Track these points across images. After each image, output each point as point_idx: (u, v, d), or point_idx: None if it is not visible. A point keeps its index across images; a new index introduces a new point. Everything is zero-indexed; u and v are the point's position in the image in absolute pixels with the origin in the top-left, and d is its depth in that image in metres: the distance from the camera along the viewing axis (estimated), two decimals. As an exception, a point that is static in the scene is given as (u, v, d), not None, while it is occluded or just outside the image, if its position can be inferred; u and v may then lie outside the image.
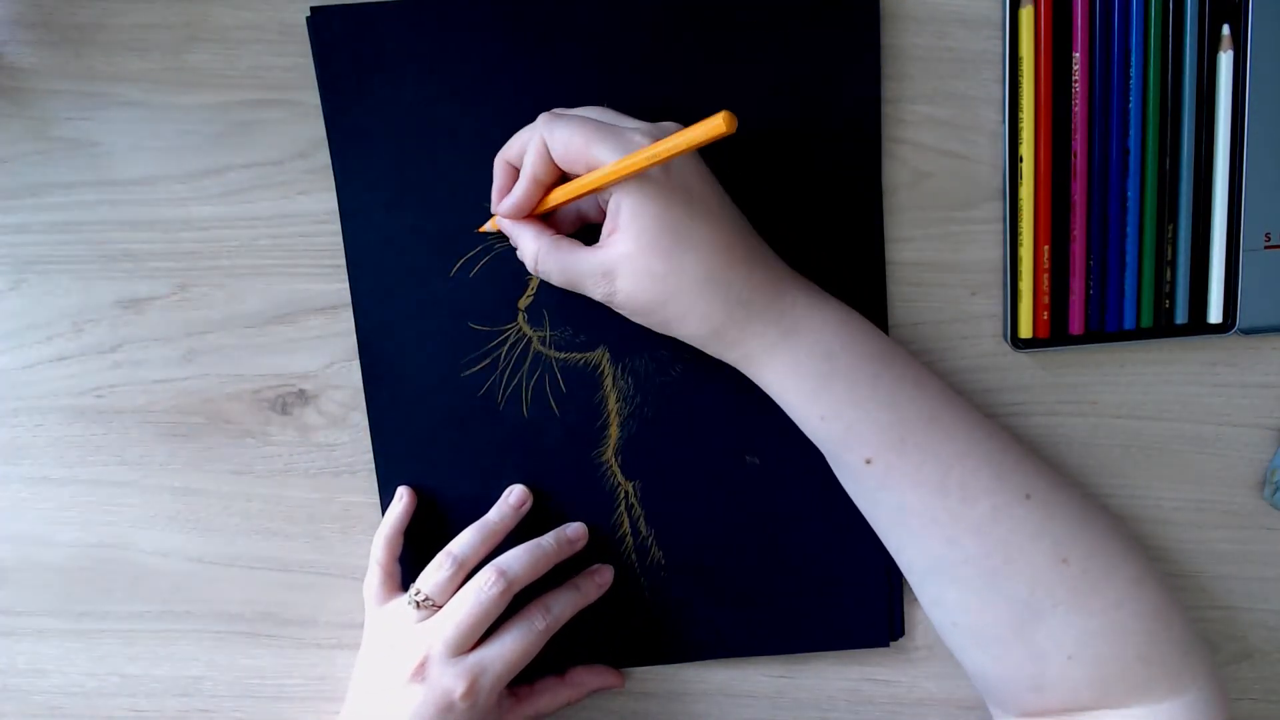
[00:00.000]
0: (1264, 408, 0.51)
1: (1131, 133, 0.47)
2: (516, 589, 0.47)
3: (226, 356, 0.50)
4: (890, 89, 0.48)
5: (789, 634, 0.53)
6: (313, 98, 0.48)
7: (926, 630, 0.54)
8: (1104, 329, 0.49)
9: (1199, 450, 0.52)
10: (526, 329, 0.50)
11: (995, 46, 0.48)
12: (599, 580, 0.51)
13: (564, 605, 0.49)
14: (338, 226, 0.49)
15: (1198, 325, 0.49)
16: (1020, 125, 0.48)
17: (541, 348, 0.50)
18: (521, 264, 0.48)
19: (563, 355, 0.50)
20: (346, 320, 0.50)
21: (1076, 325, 0.49)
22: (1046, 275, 0.49)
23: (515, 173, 0.45)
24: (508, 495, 0.50)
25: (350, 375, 0.51)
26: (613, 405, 0.50)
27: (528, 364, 0.50)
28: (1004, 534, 0.43)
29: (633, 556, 0.52)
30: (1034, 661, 0.43)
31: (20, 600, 0.53)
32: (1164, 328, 0.49)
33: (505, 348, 0.50)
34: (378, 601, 0.49)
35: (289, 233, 0.49)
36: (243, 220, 0.49)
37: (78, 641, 0.53)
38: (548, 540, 0.49)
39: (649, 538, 0.52)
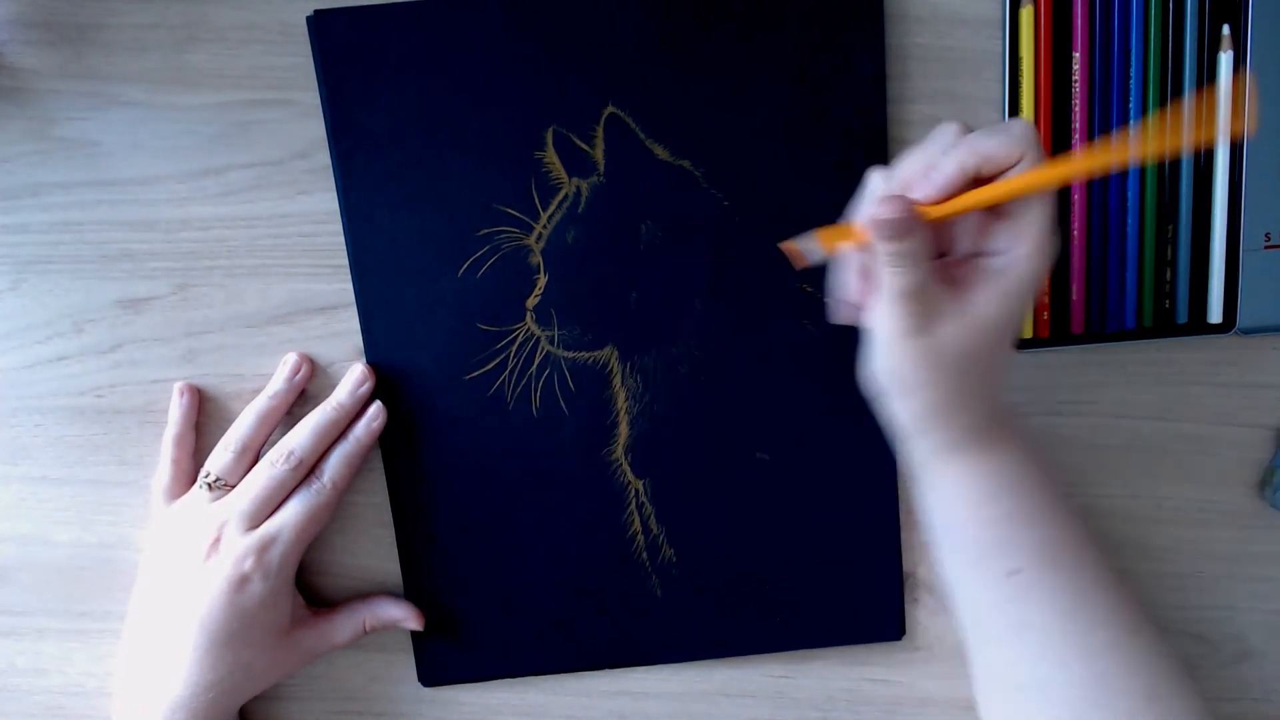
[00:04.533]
0: (1264, 408, 0.51)
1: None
2: (308, 462, 0.48)
3: (226, 356, 0.50)
4: (890, 89, 0.48)
5: (801, 630, 0.53)
6: (313, 98, 0.48)
7: (926, 630, 0.54)
8: (1104, 329, 0.49)
9: (1199, 450, 0.52)
10: (535, 328, 0.50)
11: (995, 46, 0.48)
12: (370, 423, 0.49)
13: (338, 462, 0.49)
14: (338, 226, 0.49)
15: (1198, 325, 0.49)
16: (1020, 125, 0.48)
17: (550, 347, 0.50)
18: (528, 263, 0.49)
19: (571, 354, 0.50)
20: (347, 320, 0.50)
21: (1076, 325, 0.49)
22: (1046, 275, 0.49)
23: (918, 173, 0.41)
24: (282, 368, 0.50)
25: (350, 375, 0.51)
26: (622, 403, 0.50)
27: (536, 363, 0.50)
28: (1111, 665, 0.43)
29: (644, 555, 0.52)
30: None
31: (20, 600, 0.53)
32: (1164, 328, 0.49)
33: (514, 347, 0.50)
34: (169, 497, 0.50)
35: (289, 233, 0.49)
36: (243, 220, 0.49)
37: (78, 641, 0.53)
38: (328, 405, 0.49)
39: (660, 535, 0.52)
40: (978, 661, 0.46)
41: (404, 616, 0.51)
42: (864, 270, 0.41)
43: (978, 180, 0.38)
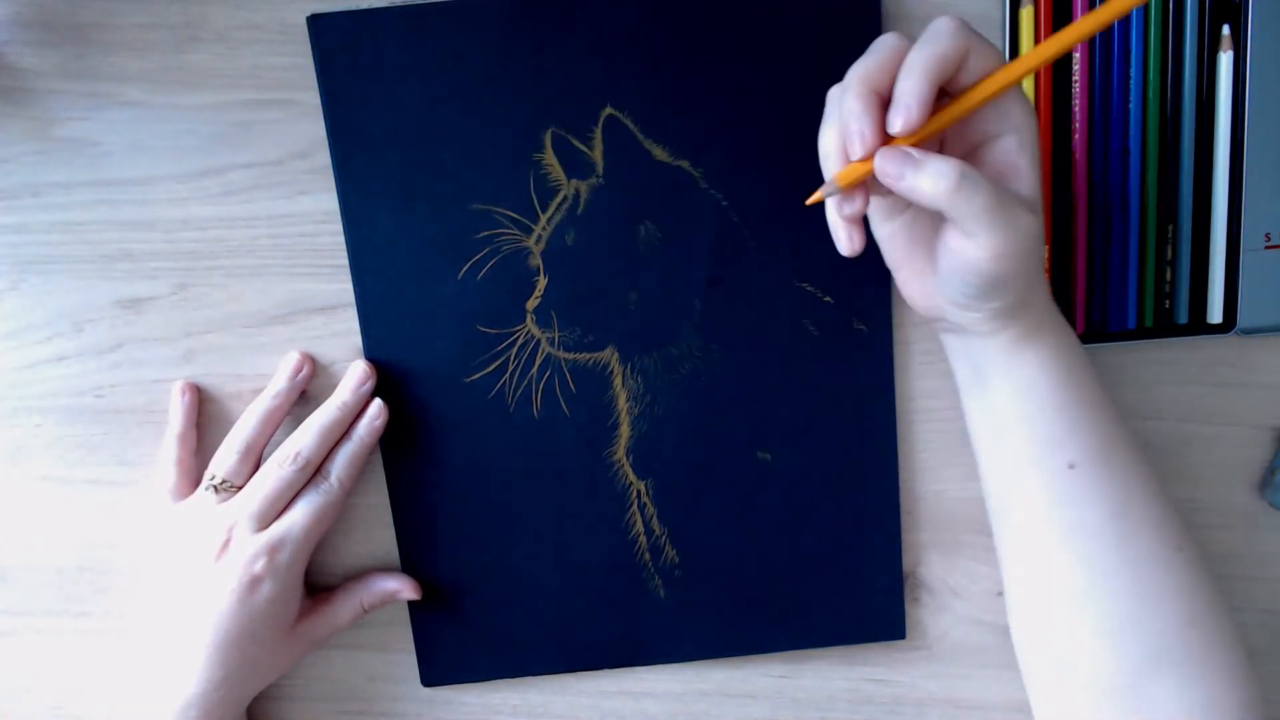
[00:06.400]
0: (1264, 408, 0.51)
1: (1131, 133, 0.47)
2: (314, 462, 0.48)
3: (226, 356, 0.50)
4: (891, 89, 0.48)
5: (801, 630, 0.53)
6: (313, 98, 0.48)
7: (927, 630, 0.54)
8: (1104, 329, 0.49)
9: (1199, 450, 0.52)
10: (535, 330, 0.50)
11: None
12: (372, 421, 0.50)
13: (344, 461, 0.49)
14: (338, 226, 0.49)
15: (1198, 325, 0.49)
16: (1021, 125, 0.48)
17: (551, 349, 0.50)
18: (528, 265, 0.49)
19: (572, 356, 0.50)
20: (347, 320, 0.50)
21: (1077, 325, 0.49)
22: (1047, 275, 0.49)
23: (880, 101, 0.38)
24: (284, 367, 0.50)
25: (350, 375, 0.51)
26: (623, 404, 0.51)
27: (537, 365, 0.50)
28: (1152, 579, 0.42)
29: (646, 556, 0.52)
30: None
31: (20, 600, 0.53)
32: (1164, 328, 0.49)
33: (514, 349, 0.50)
34: (175, 497, 0.50)
35: (289, 233, 0.49)
36: (243, 220, 0.49)
37: (78, 641, 0.53)
38: (331, 405, 0.49)
39: (662, 536, 0.52)
40: (1020, 577, 0.46)
41: (399, 588, 0.51)
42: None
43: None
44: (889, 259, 0.45)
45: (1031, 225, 0.38)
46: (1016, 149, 0.39)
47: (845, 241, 0.41)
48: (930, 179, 0.37)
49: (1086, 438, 0.43)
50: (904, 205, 0.43)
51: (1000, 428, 0.44)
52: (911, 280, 0.44)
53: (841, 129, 0.39)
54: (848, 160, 0.39)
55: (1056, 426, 0.43)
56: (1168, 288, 0.49)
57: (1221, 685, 0.42)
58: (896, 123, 0.37)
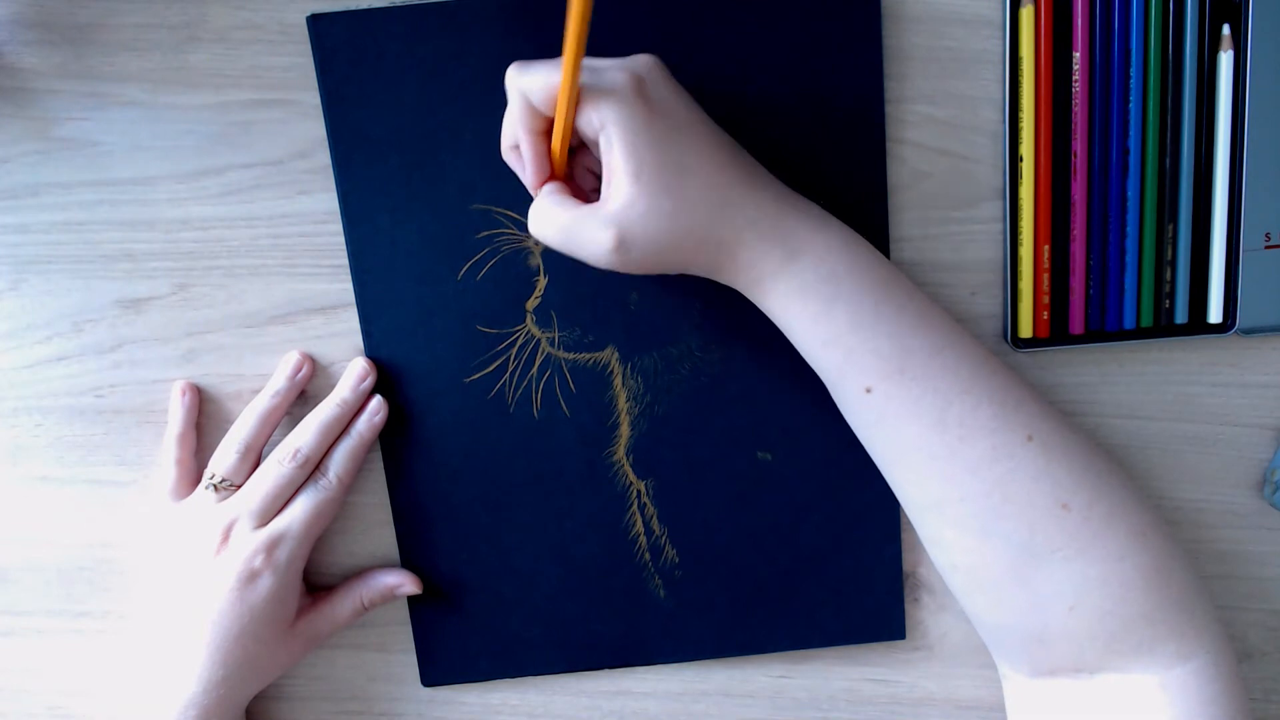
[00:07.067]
0: (1264, 408, 0.51)
1: (1131, 133, 0.47)
2: (314, 459, 0.49)
3: (226, 356, 0.50)
4: (890, 89, 0.48)
5: (801, 630, 0.53)
6: (313, 98, 0.48)
7: (927, 630, 0.54)
8: (1104, 329, 0.49)
9: (1199, 450, 0.52)
10: (535, 330, 0.50)
11: (995, 46, 0.48)
12: (372, 418, 0.50)
13: (343, 457, 0.49)
14: (338, 226, 0.49)
15: (1198, 325, 0.49)
16: (1020, 125, 0.48)
17: (550, 349, 0.50)
18: (528, 265, 0.49)
19: (572, 356, 0.50)
20: (347, 320, 0.50)
21: (1076, 325, 0.49)
22: (1046, 275, 0.49)
23: (519, 155, 0.44)
24: (284, 366, 0.50)
25: (350, 375, 0.51)
26: (623, 404, 0.51)
27: (537, 365, 0.50)
28: (1002, 475, 0.42)
29: (646, 556, 0.52)
30: (1034, 610, 0.43)
31: (20, 600, 0.53)
32: (1164, 328, 0.49)
33: (514, 350, 0.50)
34: (175, 497, 0.50)
35: (289, 233, 0.49)
36: (243, 220, 0.49)
37: (78, 641, 0.53)
38: (331, 402, 0.49)
39: (662, 536, 0.52)
40: (894, 490, 0.46)
41: (400, 582, 0.51)
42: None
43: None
44: None
45: (602, 240, 0.40)
46: (607, 147, 0.40)
47: None
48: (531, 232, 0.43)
49: (869, 360, 0.43)
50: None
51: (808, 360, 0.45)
52: None
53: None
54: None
55: (831, 359, 0.44)
56: (1167, 288, 0.49)
57: (1110, 560, 0.42)
58: (529, 186, 0.44)
